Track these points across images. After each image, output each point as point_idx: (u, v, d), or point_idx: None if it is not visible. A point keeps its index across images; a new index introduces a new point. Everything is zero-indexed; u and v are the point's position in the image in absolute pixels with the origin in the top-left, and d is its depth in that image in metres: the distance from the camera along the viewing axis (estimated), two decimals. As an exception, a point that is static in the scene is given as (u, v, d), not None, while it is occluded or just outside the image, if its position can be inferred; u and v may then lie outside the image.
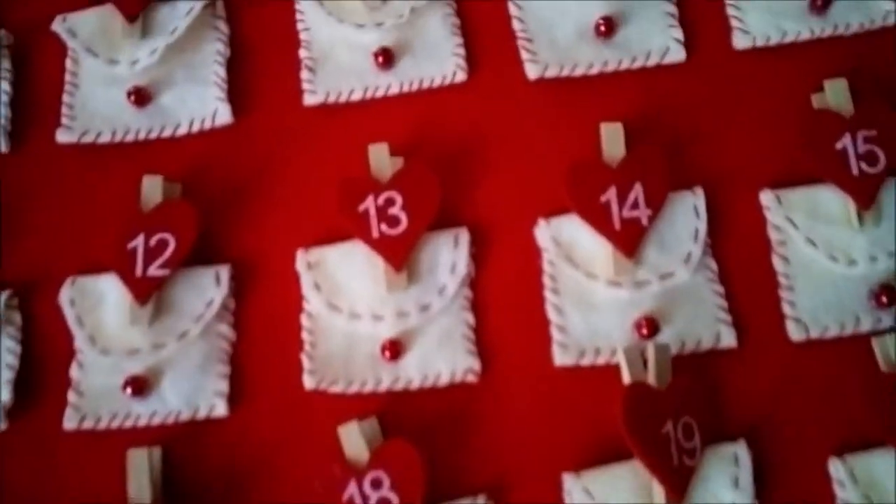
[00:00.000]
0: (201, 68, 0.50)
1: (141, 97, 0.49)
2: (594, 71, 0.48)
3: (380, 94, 0.49)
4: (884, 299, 0.43)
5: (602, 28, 0.48)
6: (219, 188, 0.48)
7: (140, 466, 0.42)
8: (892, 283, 0.44)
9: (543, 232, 0.46)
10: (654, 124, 0.47)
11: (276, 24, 0.51)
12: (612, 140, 0.46)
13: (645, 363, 0.43)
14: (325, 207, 0.46)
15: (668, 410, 0.41)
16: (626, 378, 0.42)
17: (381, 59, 0.49)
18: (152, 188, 0.46)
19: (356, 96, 0.49)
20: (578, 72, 0.48)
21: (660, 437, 0.40)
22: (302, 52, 0.50)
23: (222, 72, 0.49)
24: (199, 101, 0.49)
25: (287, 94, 0.49)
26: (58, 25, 0.50)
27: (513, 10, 0.50)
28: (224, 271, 0.46)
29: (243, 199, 0.47)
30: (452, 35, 0.49)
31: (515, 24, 0.49)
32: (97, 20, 0.50)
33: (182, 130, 0.48)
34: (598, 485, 0.41)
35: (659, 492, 0.40)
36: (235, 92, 0.49)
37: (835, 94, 0.46)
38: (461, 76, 0.48)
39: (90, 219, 0.47)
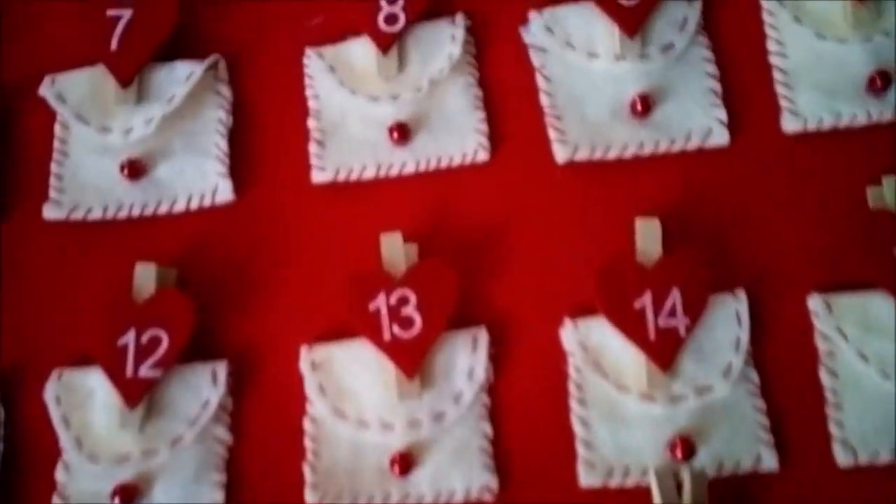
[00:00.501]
0: (201, 137, 0.46)
1: (135, 170, 0.45)
2: (629, 154, 0.44)
3: (394, 172, 0.45)
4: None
5: (638, 106, 0.44)
6: (217, 273, 0.44)
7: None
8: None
9: (570, 334, 0.42)
10: (693, 215, 0.43)
11: (284, 90, 0.47)
12: (649, 237, 0.42)
13: (679, 487, 0.39)
14: (333, 299, 0.43)
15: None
16: (658, 503, 0.39)
17: (396, 134, 0.45)
18: (145, 276, 0.43)
19: (369, 174, 0.45)
20: (612, 154, 0.44)
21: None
22: (311, 123, 0.46)
23: (223, 143, 0.46)
24: (199, 175, 0.45)
25: (294, 169, 0.45)
26: (46, 89, 0.46)
27: (541, 82, 0.45)
28: (221, 368, 0.43)
29: (243, 286, 0.44)
30: (474, 108, 0.45)
31: (543, 99, 0.45)
32: (88, 83, 0.46)
33: (179, 207, 0.45)
34: None
35: None
36: (238, 165, 0.45)
37: (894, 192, 0.42)
38: (483, 155, 0.44)
39: (79, 304, 0.44)
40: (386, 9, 0.45)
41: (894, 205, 0.42)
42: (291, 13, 0.48)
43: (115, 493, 0.41)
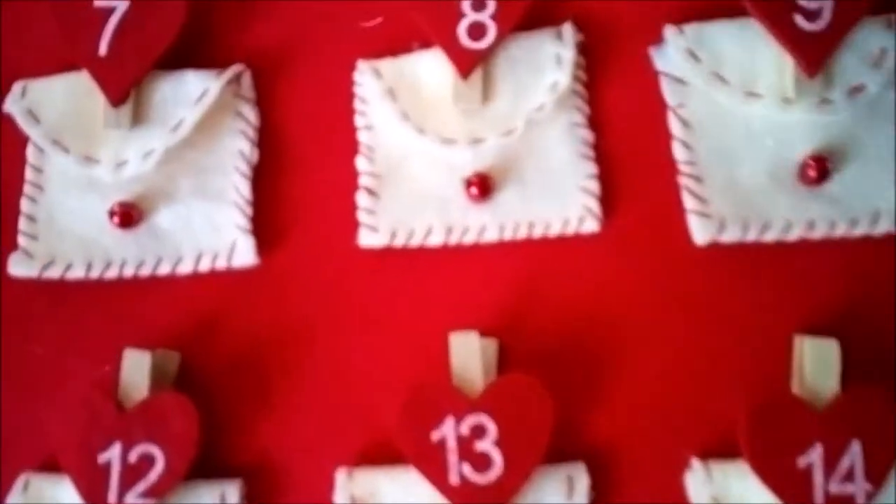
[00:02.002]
0: (216, 176, 0.35)
1: (128, 216, 0.34)
2: (794, 235, 0.32)
3: (469, 239, 0.33)
4: None
5: (812, 171, 0.32)
6: (231, 362, 0.33)
7: None
8: None
9: (699, 482, 0.31)
10: (881, 331, 0.32)
11: (326, 116, 0.35)
12: (820, 365, 0.30)
13: None
14: (380, 408, 0.32)
15: None
16: None
17: (475, 188, 0.33)
18: (136, 368, 0.32)
19: (435, 240, 0.33)
20: (770, 236, 0.32)
21: None
22: (360, 164, 0.34)
23: (245, 186, 0.34)
24: (211, 228, 0.34)
25: (335, 227, 0.34)
26: (14, 103, 0.35)
27: (676, 127, 0.33)
28: (232, 490, 0.32)
29: (264, 381, 0.33)
30: (581, 158, 0.34)
31: (679, 151, 0.33)
32: (68, 96, 0.35)
33: (185, 268, 0.34)
34: None
35: None
36: (263, 217, 0.34)
37: None
38: (591, 224, 0.33)
39: (49, 394, 0.33)
40: (470, 16, 0.33)
41: None
42: (339, 12, 0.36)
43: None
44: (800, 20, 0.31)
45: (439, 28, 0.33)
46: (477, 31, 0.33)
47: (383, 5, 0.35)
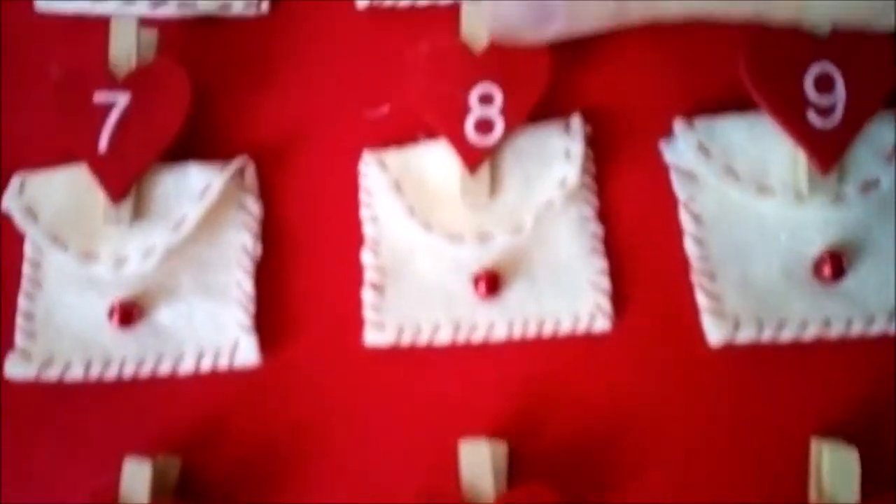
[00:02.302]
0: (218, 272, 0.34)
1: (128, 315, 0.33)
2: (810, 334, 0.31)
3: (478, 336, 0.33)
4: None
5: (827, 268, 0.31)
6: (233, 465, 0.32)
7: None
8: None
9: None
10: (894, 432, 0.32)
11: (330, 207, 0.34)
12: (839, 471, 0.30)
13: None
14: (389, 511, 0.32)
15: None
16: None
17: (483, 285, 0.33)
18: (136, 477, 0.31)
19: (443, 337, 0.32)
20: (786, 335, 0.31)
21: None
22: (366, 258, 0.34)
23: (248, 282, 0.33)
24: (213, 326, 0.33)
25: (340, 324, 0.33)
26: (12, 199, 0.34)
27: (687, 223, 0.33)
28: None
29: (266, 486, 0.32)
30: (592, 253, 0.33)
31: (691, 247, 0.32)
32: (67, 192, 0.34)
33: (186, 367, 0.33)
34: None
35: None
36: (266, 314, 0.33)
37: None
38: (602, 322, 0.32)
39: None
40: (477, 110, 0.33)
41: None
42: (343, 101, 0.35)
43: None
44: (813, 117, 0.31)
45: (446, 123, 0.33)
46: (484, 126, 0.33)
47: (389, 95, 0.35)
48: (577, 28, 0.31)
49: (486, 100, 0.33)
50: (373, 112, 0.35)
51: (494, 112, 0.33)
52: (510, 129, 0.33)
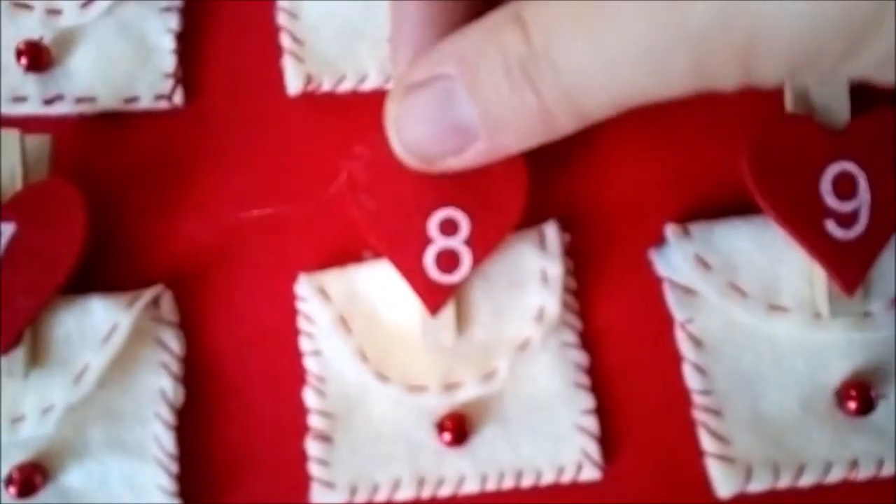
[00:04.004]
0: (133, 425, 0.28)
1: (28, 484, 0.27)
2: (833, 479, 0.26)
3: (446, 492, 0.27)
4: None
5: (852, 402, 0.26)
6: None
7: None
8: None
9: None
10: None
11: (264, 338, 0.29)
12: None
13: None
14: None
15: None
16: None
17: (448, 434, 0.27)
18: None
19: (404, 495, 0.27)
20: (806, 480, 0.26)
21: None
22: (309, 400, 0.28)
23: (168, 437, 0.28)
24: (130, 490, 0.28)
25: (281, 482, 0.28)
26: None
27: (686, 349, 0.27)
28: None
29: None
30: (575, 388, 0.28)
31: (691, 379, 0.27)
32: (-51, 340, 0.29)
33: (101, 541, 0.29)
34: None
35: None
36: (192, 474, 0.28)
37: None
38: (591, 471, 0.27)
39: None
40: (439, 242, 0.26)
41: None
42: (276, 207, 0.29)
43: None
44: (832, 227, 0.26)
45: (402, 256, 0.27)
46: (448, 260, 0.27)
47: (324, 197, 0.29)
48: (506, 144, 0.24)
49: (449, 229, 0.27)
50: (246, 214, 0.29)
51: (459, 243, 0.27)
52: (479, 262, 0.27)
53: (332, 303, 0.28)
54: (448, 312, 0.27)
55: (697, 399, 0.27)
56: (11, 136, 0.28)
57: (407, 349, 0.28)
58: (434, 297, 0.27)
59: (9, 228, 0.28)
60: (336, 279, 0.29)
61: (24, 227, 0.28)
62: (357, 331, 0.28)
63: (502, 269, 0.28)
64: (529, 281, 0.28)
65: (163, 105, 0.31)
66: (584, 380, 0.28)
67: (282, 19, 0.31)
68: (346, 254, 0.29)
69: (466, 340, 0.28)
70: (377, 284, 0.28)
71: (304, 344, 0.29)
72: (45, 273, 0.27)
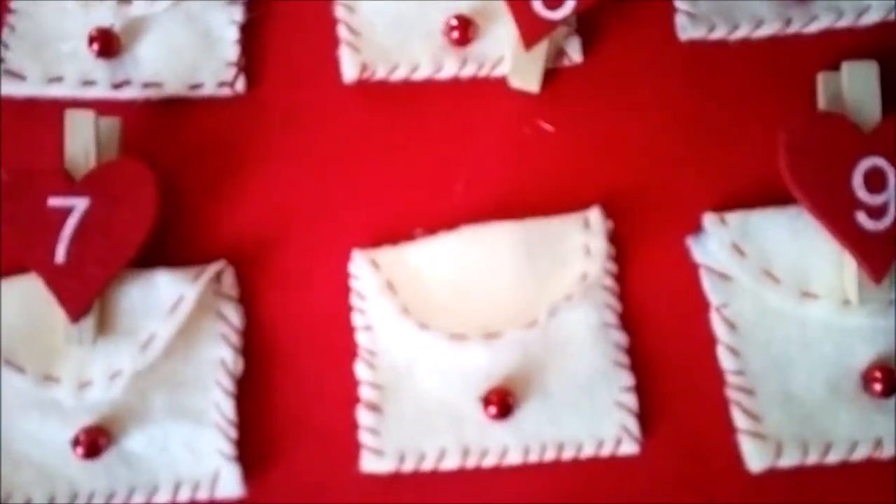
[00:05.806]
0: (193, 393, 0.30)
1: (94, 446, 0.29)
2: (859, 456, 0.28)
3: (489, 462, 0.29)
4: None
5: (878, 384, 0.27)
6: None
7: None
8: None
9: None
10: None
11: (319, 314, 0.30)
12: None
13: None
14: None
15: None
16: None
17: (493, 407, 0.28)
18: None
19: (449, 464, 0.29)
20: (833, 458, 0.28)
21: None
22: (360, 372, 0.30)
23: (228, 404, 0.30)
24: (190, 454, 0.29)
25: (332, 448, 0.29)
26: (-43, 319, 0.31)
27: (721, 331, 0.29)
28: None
29: None
30: (615, 366, 0.29)
31: (725, 359, 0.29)
32: (22, 307, 0.30)
33: (161, 499, 0.29)
34: None
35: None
36: (249, 440, 0.30)
37: None
38: (629, 446, 0.29)
39: None
40: None
41: None
42: (332, 190, 0.31)
43: None
44: (862, 219, 0.27)
45: None
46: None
47: (383, 181, 0.31)
48: None
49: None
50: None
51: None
52: (581, 7, 0.29)
53: (381, 271, 0.30)
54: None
55: (731, 379, 0.29)
56: (86, 116, 0.30)
57: (446, 308, 0.29)
58: (533, 30, 0.29)
59: (83, 203, 0.30)
60: (386, 252, 0.31)
61: (98, 203, 0.30)
62: (401, 291, 0.30)
63: (547, 247, 0.30)
64: (573, 256, 0.29)
65: (225, 92, 0.33)
66: (624, 359, 0.30)
67: (340, 13, 0.33)
68: (399, 233, 0.31)
69: (510, 298, 0.29)
70: (423, 254, 0.30)
71: (357, 319, 0.31)
72: (116, 247, 0.29)
